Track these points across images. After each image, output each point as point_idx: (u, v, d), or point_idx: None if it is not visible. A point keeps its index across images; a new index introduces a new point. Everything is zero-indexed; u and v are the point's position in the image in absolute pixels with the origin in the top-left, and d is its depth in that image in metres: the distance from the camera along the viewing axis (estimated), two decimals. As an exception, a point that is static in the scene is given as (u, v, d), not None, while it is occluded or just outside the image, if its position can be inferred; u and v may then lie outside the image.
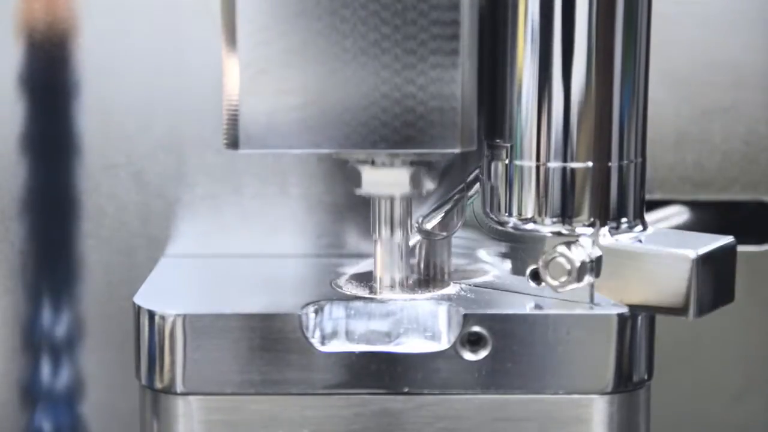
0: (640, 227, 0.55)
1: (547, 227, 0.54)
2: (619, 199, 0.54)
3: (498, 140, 0.55)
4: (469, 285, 0.56)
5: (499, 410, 0.53)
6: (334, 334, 0.54)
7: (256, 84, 0.52)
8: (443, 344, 0.53)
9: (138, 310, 0.54)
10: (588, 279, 0.53)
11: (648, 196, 0.58)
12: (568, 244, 0.53)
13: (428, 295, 0.55)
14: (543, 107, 0.53)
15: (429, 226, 0.58)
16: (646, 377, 0.54)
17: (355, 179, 0.55)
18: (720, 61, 0.63)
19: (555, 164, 0.53)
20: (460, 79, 0.52)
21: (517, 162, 0.54)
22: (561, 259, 0.52)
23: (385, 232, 0.55)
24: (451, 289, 0.56)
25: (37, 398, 0.64)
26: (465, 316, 0.52)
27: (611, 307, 0.53)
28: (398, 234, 0.55)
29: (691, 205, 0.64)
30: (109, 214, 0.63)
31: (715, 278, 0.53)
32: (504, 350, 0.52)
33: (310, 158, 0.62)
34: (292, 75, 0.52)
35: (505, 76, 0.54)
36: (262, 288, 0.57)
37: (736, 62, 0.63)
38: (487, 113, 0.55)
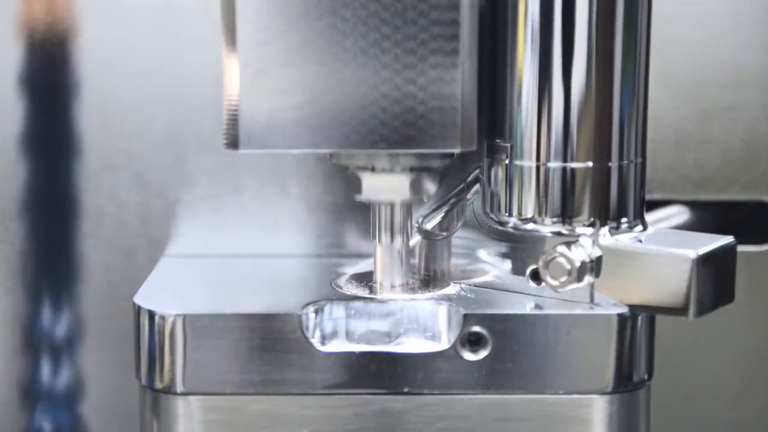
0: (640, 227, 0.55)
1: (547, 227, 0.54)
2: (619, 199, 0.54)
3: (498, 140, 0.55)
4: (469, 285, 0.56)
5: (499, 410, 0.53)
6: (334, 334, 0.54)
7: (256, 84, 0.52)
8: (443, 344, 0.53)
9: (138, 310, 0.54)
10: (588, 279, 0.53)
11: (648, 196, 0.58)
12: (568, 244, 0.53)
13: (428, 295, 0.55)
14: (543, 107, 0.53)
15: (429, 226, 0.58)
16: (646, 377, 0.54)
17: (355, 185, 0.55)
18: (720, 61, 0.63)
19: (555, 164, 0.53)
20: (460, 79, 0.52)
21: (517, 162, 0.54)
22: (561, 259, 0.52)
23: (385, 238, 0.56)
24: (451, 289, 0.56)
25: (37, 398, 0.64)
26: (465, 316, 0.52)
27: (611, 307, 0.53)
28: (398, 240, 0.55)
29: (691, 205, 0.64)
30: (109, 214, 0.63)
31: (715, 278, 0.53)
32: (504, 350, 0.52)
33: (309, 158, 0.62)
34: (292, 75, 0.52)
35: (505, 76, 0.54)
36: (262, 288, 0.57)
37: (736, 62, 0.63)
38: (487, 113, 0.55)
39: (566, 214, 0.54)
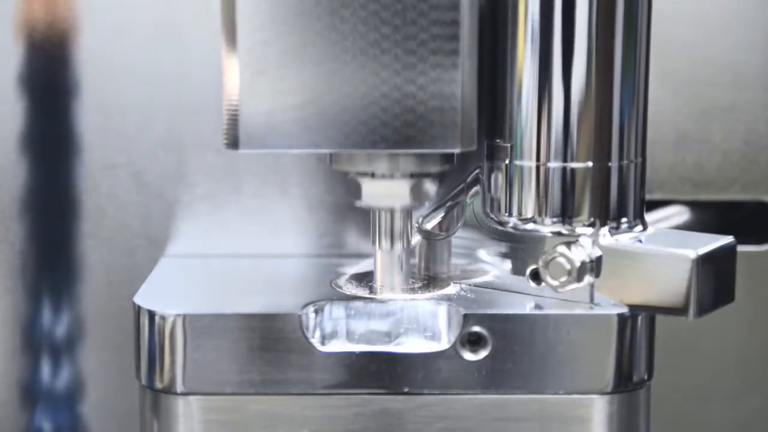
0: (640, 227, 0.55)
1: (547, 227, 0.54)
2: (619, 199, 0.54)
3: (498, 140, 0.55)
4: (469, 285, 0.56)
5: (499, 410, 0.53)
6: (334, 334, 0.54)
7: (255, 84, 0.52)
8: (443, 344, 0.53)
9: (138, 310, 0.54)
10: (588, 279, 0.53)
11: (648, 196, 0.58)
12: (568, 244, 0.53)
13: (428, 295, 0.55)
14: (543, 107, 0.53)
15: (429, 226, 0.58)
16: (646, 377, 0.54)
17: (355, 191, 0.55)
18: (720, 61, 0.63)
19: (555, 164, 0.53)
20: (460, 79, 0.52)
21: (517, 162, 0.54)
22: (561, 259, 0.52)
23: (385, 243, 0.56)
24: (451, 289, 0.56)
25: (37, 398, 0.64)
26: (465, 316, 0.52)
27: (611, 307, 0.53)
28: (398, 246, 0.55)
29: (691, 205, 0.64)
30: (109, 214, 0.63)
31: (715, 278, 0.53)
32: (504, 350, 0.52)
33: (310, 158, 0.62)
34: (291, 75, 0.52)
35: (505, 76, 0.54)
36: (262, 288, 0.57)
37: (736, 62, 0.63)
38: (487, 113, 0.55)
39: (566, 214, 0.54)
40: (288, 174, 0.62)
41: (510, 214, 0.55)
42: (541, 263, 0.53)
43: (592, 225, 0.53)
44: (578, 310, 0.53)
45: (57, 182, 0.63)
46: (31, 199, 0.63)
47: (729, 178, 0.63)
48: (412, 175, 0.54)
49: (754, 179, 0.63)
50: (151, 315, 0.53)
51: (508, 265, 0.55)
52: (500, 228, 0.55)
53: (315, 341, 0.53)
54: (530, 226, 0.54)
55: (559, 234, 0.54)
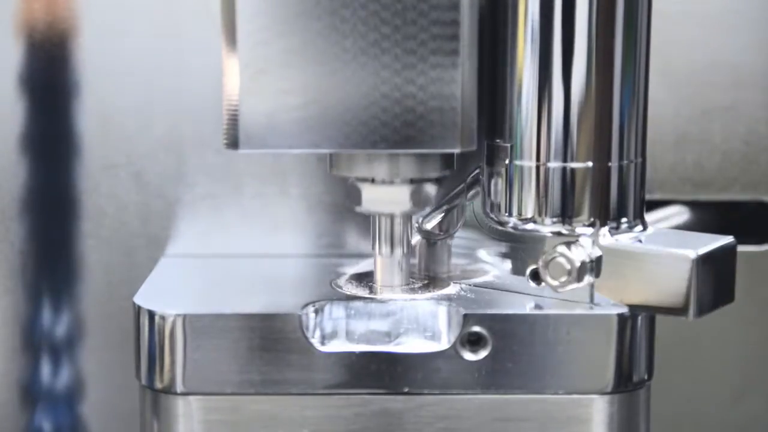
0: (640, 227, 0.55)
1: (547, 227, 0.54)
2: (619, 199, 0.54)
3: (498, 140, 0.55)
4: (469, 285, 0.56)
5: (499, 410, 0.53)
6: (334, 334, 0.54)
7: (256, 84, 0.52)
8: (443, 344, 0.53)
9: (138, 310, 0.54)
10: (588, 279, 0.53)
11: (648, 196, 0.58)
12: (568, 244, 0.53)
13: (428, 295, 0.55)
14: (543, 107, 0.53)
15: (429, 226, 0.58)
16: (646, 377, 0.54)
17: (355, 197, 0.55)
18: (720, 61, 0.63)
19: (555, 164, 0.53)
20: (460, 79, 0.52)
21: (517, 162, 0.54)
22: (561, 259, 0.52)
23: (385, 249, 0.56)
24: (451, 289, 0.56)
25: (37, 398, 0.64)
26: (465, 316, 0.52)
27: (611, 307, 0.53)
28: (398, 251, 0.55)
29: (691, 205, 0.64)
30: (109, 214, 0.63)
31: (715, 278, 0.53)
32: (504, 350, 0.52)
33: (310, 158, 0.62)
34: (292, 75, 0.52)
35: (505, 76, 0.54)
36: (262, 288, 0.57)
37: (736, 62, 0.63)
38: (487, 113, 0.55)
39: (566, 214, 0.54)
40: (288, 174, 0.62)
41: (510, 214, 0.55)
42: (541, 263, 0.53)
43: (592, 225, 0.53)
44: (578, 310, 0.53)
45: (57, 182, 0.63)
46: (31, 199, 0.63)
47: (729, 178, 0.63)
48: (412, 181, 0.54)
49: (754, 179, 0.63)
50: (151, 315, 0.53)
51: (508, 265, 0.55)
52: (500, 228, 0.55)
53: (315, 341, 0.53)
54: (530, 226, 0.54)
55: (559, 234, 0.54)
